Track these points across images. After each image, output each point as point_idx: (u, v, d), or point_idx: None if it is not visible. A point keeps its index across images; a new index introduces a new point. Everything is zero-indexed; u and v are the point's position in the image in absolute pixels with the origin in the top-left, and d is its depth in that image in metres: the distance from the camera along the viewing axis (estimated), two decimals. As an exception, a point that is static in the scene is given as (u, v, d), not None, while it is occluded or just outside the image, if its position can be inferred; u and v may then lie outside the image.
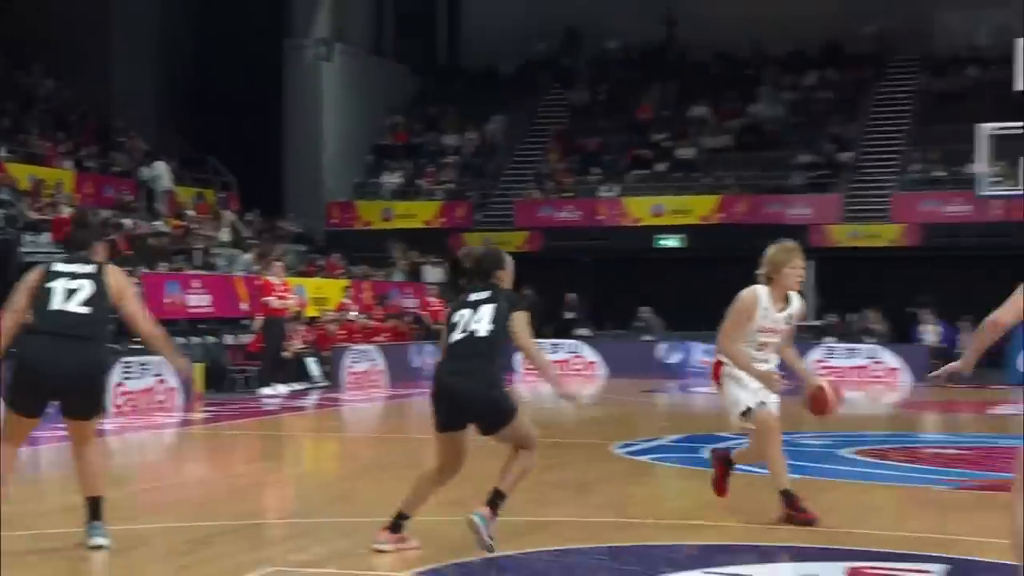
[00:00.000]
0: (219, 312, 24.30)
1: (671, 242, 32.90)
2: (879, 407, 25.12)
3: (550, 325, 31.63)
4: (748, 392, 9.06)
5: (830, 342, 29.56)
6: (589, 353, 30.52)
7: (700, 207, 33.54)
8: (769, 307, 9.01)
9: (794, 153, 35.10)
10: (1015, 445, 16.63)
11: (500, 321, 8.24)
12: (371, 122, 37.41)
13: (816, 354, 28.75)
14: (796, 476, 11.70)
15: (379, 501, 10.54)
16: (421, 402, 22.94)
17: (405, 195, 35.55)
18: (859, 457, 14.82)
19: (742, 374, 9.08)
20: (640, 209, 33.81)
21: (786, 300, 9.23)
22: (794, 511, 9.11)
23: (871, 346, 29.04)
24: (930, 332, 29.39)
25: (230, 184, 31.25)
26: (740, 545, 9.15)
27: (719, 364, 9.32)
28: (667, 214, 33.65)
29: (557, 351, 30.30)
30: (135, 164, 29.23)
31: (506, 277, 8.54)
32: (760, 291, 9.06)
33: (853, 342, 29.27)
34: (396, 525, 8.31)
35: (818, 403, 9.44)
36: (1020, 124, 26.97)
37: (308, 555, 8.51)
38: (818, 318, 31.56)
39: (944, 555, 8.48)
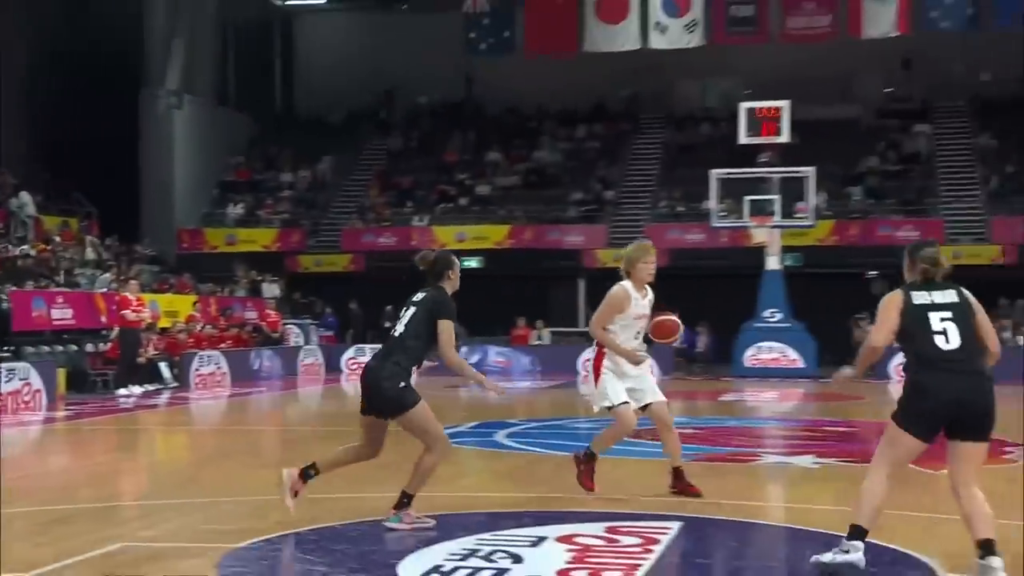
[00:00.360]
0: (81, 324, 23.69)
1: (471, 263, 33.04)
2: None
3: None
4: (617, 391, 9.00)
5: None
6: None
7: (495, 234, 34.09)
8: (637, 296, 9.02)
9: (569, 191, 35.93)
10: (738, 425, 17.70)
11: (413, 325, 8.25)
12: (217, 161, 37.19)
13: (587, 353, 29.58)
14: (569, 453, 12.54)
15: (222, 485, 10.90)
16: (259, 399, 23.20)
17: (247, 223, 35.30)
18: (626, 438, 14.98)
19: (622, 369, 9.09)
20: (446, 236, 33.92)
21: (645, 289, 9.20)
22: (584, 477, 9.32)
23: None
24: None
25: (92, 214, 30.80)
26: (520, 512, 9.00)
27: (601, 355, 9.20)
28: (468, 240, 33.99)
29: None
30: (5, 196, 28.55)
31: (455, 276, 8.52)
32: (626, 285, 9.07)
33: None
34: (305, 472, 8.43)
35: (664, 328, 9.49)
36: (742, 170, 28.34)
37: (155, 531, 8.41)
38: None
39: (681, 514, 8.64)
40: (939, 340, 6.67)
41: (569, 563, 7.04)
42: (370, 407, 8.33)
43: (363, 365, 8.78)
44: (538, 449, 14.14)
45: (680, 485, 9.31)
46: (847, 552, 6.68)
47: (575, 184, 36.32)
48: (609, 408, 9.04)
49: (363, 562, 7.29)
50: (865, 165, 34.91)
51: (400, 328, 8.33)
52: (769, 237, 27.71)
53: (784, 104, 28.68)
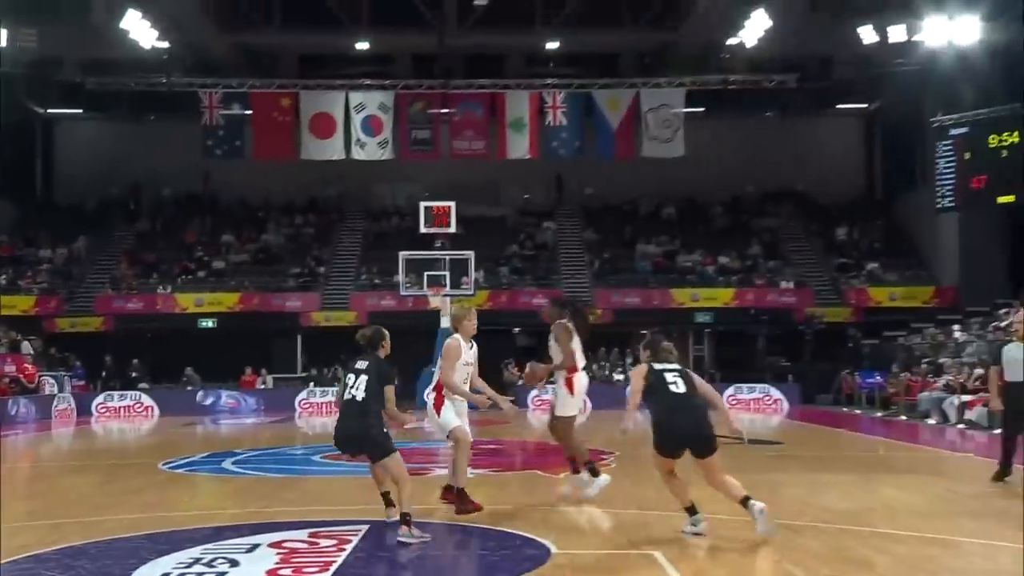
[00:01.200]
0: None
1: (208, 323, 32.50)
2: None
3: (121, 381, 30.54)
4: (453, 417, 8.65)
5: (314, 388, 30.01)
6: (147, 399, 29.16)
7: (228, 300, 33.07)
8: (466, 347, 8.74)
9: (289, 266, 35.33)
10: (418, 447, 17.43)
11: (371, 389, 8.09)
12: None
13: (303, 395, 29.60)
14: (286, 476, 12.06)
15: None
16: (15, 441, 21.74)
17: (8, 291, 32.68)
18: (323, 459, 14.70)
19: (453, 403, 8.74)
20: (187, 301, 32.88)
21: (471, 342, 8.91)
22: (466, 504, 8.77)
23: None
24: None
25: None
26: (240, 524, 8.60)
27: (440, 397, 8.76)
28: (205, 304, 32.92)
29: (124, 399, 29.08)
30: None
31: (387, 345, 8.44)
32: (458, 337, 8.78)
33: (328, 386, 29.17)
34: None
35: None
36: (422, 252, 28.72)
37: None
38: (304, 370, 32.23)
39: (368, 519, 8.59)
40: (673, 388, 7.83)
41: (277, 563, 6.97)
42: (360, 450, 8.58)
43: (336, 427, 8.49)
44: (258, 473, 13.78)
45: (455, 500, 8.86)
46: (695, 525, 7.73)
47: (294, 261, 35.79)
48: (448, 434, 8.69)
49: (104, 573, 6.82)
50: (510, 250, 35.84)
51: (361, 393, 8.14)
52: (442, 303, 27.94)
53: (452, 204, 29.14)
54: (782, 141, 37.08)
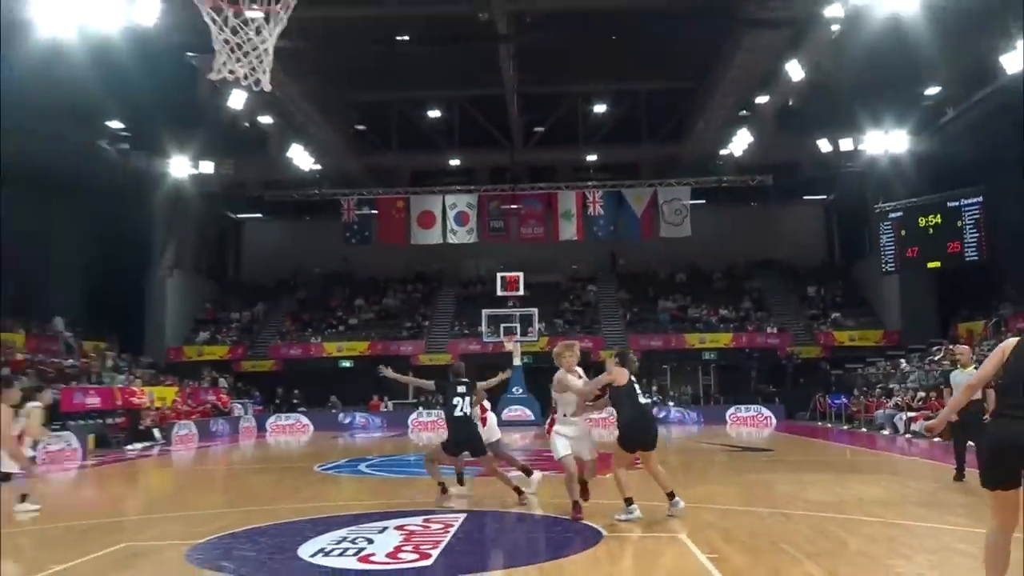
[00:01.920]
0: (103, 406, 21.52)
1: (346, 364, 32.52)
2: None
3: (287, 406, 31.18)
4: (560, 448, 7.70)
5: (423, 410, 29.40)
6: (304, 419, 29.19)
7: (360, 347, 32.93)
8: (571, 378, 7.75)
9: (403, 322, 35.35)
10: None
11: (471, 407, 8.75)
12: (192, 306, 35.36)
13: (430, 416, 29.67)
14: (405, 476, 11.79)
15: (191, 503, 10.12)
16: (215, 451, 22.18)
17: (210, 343, 33.62)
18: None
19: (566, 430, 7.76)
20: (331, 348, 32.98)
21: (575, 372, 7.85)
22: (577, 513, 7.73)
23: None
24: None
25: (114, 338, 28.84)
26: (372, 513, 8.44)
27: (552, 421, 7.93)
28: (344, 350, 32.87)
29: (289, 419, 29.15)
30: (47, 323, 26.42)
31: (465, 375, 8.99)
32: (560, 373, 7.79)
33: (431, 408, 28.62)
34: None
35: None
36: (499, 310, 29.01)
37: (148, 534, 7.84)
38: (415, 397, 31.94)
39: (466, 510, 8.54)
40: (640, 399, 7.84)
41: (401, 542, 6.98)
42: (473, 452, 9.00)
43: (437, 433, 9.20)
44: (384, 474, 13.74)
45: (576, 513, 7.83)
46: (630, 513, 7.52)
47: (406, 317, 35.85)
48: (561, 459, 7.75)
49: (277, 547, 6.95)
50: (563, 307, 35.73)
51: (468, 409, 8.69)
52: (514, 347, 28.05)
53: (520, 274, 29.52)
54: (764, 223, 36.87)
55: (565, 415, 7.84)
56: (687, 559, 6.16)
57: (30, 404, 9.46)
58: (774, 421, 27.26)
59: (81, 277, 30.13)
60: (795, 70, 22.28)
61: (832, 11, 18.80)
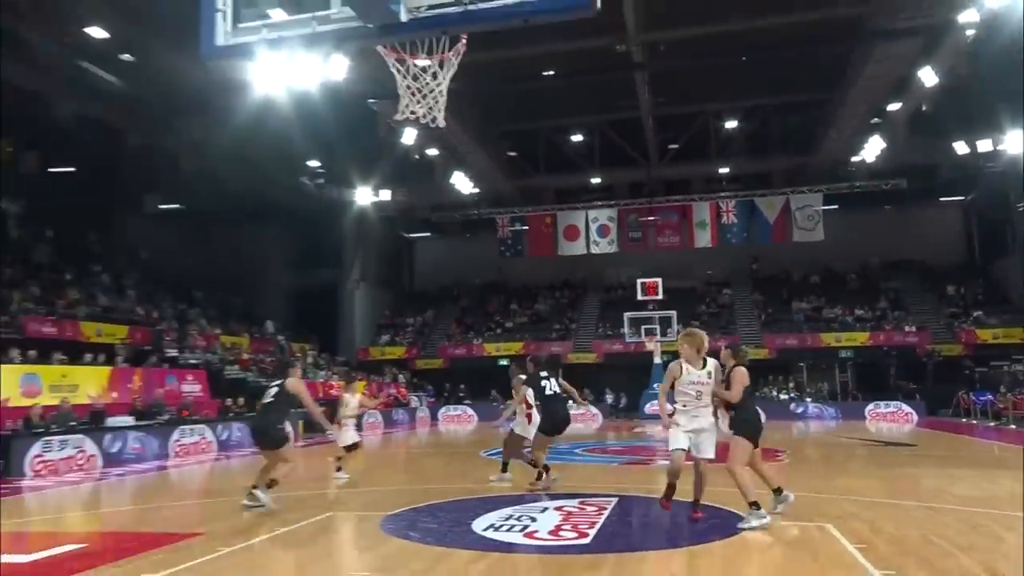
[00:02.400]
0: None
1: (503, 361, 32.18)
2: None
3: (455, 399, 31.99)
4: (675, 441, 6.71)
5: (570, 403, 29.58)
6: (470, 411, 29.49)
7: (515, 347, 32.70)
8: (689, 367, 6.76)
9: (552, 324, 35.35)
10: (641, 444, 16.66)
11: (561, 390, 8.86)
12: (376, 314, 36.81)
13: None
14: (560, 462, 11.04)
15: (385, 482, 10.42)
16: (397, 436, 23.22)
17: (390, 344, 34.90)
18: (583, 453, 14.30)
19: (681, 423, 6.76)
20: (490, 348, 33.33)
21: (699, 362, 6.78)
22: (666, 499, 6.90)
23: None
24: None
25: (315, 340, 30.69)
26: (532, 494, 8.52)
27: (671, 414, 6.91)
28: (501, 350, 32.87)
29: (456, 410, 29.60)
30: (262, 330, 28.40)
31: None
32: (679, 361, 6.88)
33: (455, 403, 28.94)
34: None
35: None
36: (640, 313, 28.38)
37: (351, 506, 8.29)
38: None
39: (618, 494, 8.43)
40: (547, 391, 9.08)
41: (560, 522, 7.06)
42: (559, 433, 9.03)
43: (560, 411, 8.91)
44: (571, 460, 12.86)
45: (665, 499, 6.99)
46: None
47: (555, 320, 35.90)
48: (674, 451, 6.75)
49: (454, 521, 7.11)
50: (700, 310, 34.72)
51: (556, 388, 8.83)
52: (654, 346, 27.56)
53: (659, 280, 28.95)
54: (899, 225, 34.23)
55: (684, 406, 6.79)
56: (835, 547, 5.85)
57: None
58: (915, 417, 25.25)
59: (288, 289, 32.56)
60: (928, 76, 20.55)
61: (966, 16, 17.18)
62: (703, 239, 31.70)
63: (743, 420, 6.86)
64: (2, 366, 14.64)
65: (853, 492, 8.50)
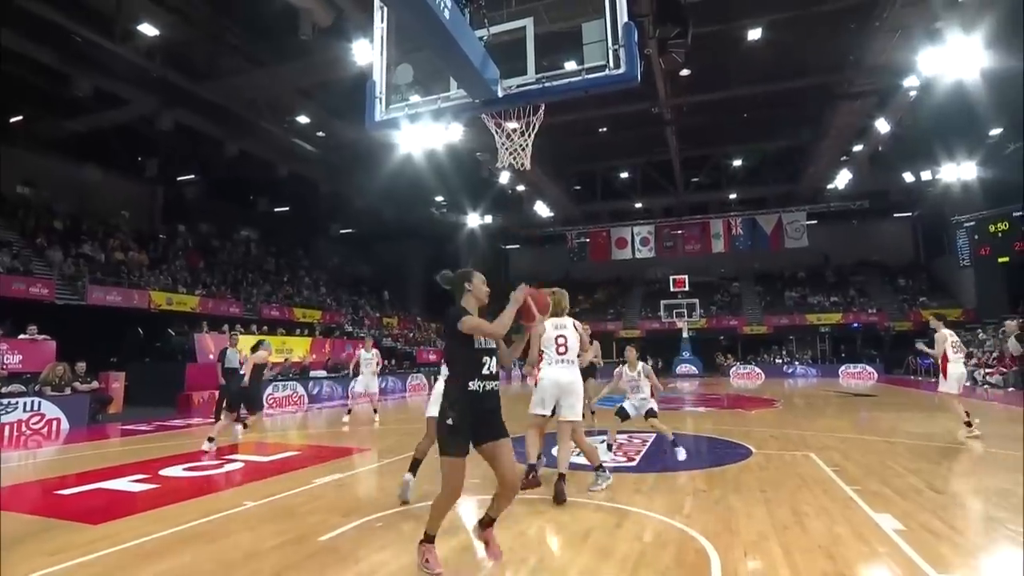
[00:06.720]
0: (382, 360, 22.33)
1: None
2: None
3: None
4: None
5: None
6: None
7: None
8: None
9: (608, 308, 34.46)
10: (674, 396, 16.13)
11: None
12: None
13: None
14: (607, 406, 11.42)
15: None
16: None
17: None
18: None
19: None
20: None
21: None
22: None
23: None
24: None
25: (441, 322, 30.93)
26: (597, 429, 7.97)
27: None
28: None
29: None
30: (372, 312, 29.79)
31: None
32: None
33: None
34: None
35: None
36: (672, 301, 27.45)
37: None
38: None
39: (653, 432, 7.18)
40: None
41: (614, 450, 6.80)
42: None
43: None
44: (600, 406, 11.43)
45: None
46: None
47: (612, 307, 35.06)
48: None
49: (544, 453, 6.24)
50: (716, 298, 33.47)
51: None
52: (684, 324, 26.94)
53: (685, 276, 28.28)
54: (862, 235, 32.41)
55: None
56: (816, 469, 5.79)
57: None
58: (876, 375, 23.89)
59: (423, 287, 33.24)
60: (883, 125, 19.72)
61: (909, 81, 16.49)
62: (718, 246, 30.52)
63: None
64: (244, 336, 15.82)
65: (829, 430, 8.31)
